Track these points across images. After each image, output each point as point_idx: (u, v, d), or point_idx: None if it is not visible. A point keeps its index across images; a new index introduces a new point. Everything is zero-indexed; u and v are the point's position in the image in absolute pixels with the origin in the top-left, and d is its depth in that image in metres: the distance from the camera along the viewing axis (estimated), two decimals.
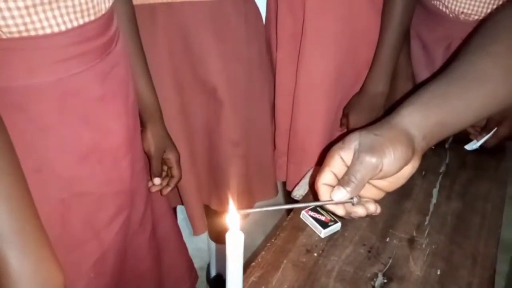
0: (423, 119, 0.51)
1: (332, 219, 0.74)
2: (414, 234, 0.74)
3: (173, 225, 1.00)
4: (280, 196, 1.42)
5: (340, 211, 0.54)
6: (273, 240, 0.71)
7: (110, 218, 0.71)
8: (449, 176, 0.89)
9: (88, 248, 0.70)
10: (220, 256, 1.54)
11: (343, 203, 0.53)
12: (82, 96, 0.64)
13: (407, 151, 0.50)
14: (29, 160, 0.59)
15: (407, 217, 0.78)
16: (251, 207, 1.16)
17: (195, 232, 1.10)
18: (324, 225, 0.72)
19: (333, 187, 0.53)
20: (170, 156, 0.89)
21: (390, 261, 0.68)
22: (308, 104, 0.99)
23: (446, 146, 0.99)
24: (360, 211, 0.54)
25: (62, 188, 0.66)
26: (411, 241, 0.72)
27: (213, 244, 1.52)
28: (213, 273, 1.62)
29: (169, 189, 0.91)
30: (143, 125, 0.85)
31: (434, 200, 0.82)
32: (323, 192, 0.54)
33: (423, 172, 0.89)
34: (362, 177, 0.51)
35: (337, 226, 0.73)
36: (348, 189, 0.51)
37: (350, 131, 0.65)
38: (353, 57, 0.98)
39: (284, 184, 1.18)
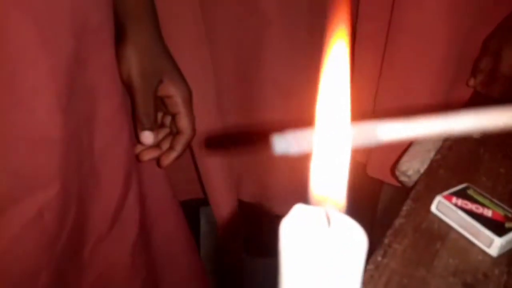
0: None
1: (510, 214, 0.33)
2: None
3: (180, 229, 0.61)
4: None
5: None
6: (379, 259, 0.31)
7: None
8: None
9: None
10: (258, 276, 1.17)
11: None
12: None
13: None
14: None
15: None
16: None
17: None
18: (497, 228, 0.32)
19: None
20: (173, 91, 0.48)
21: None
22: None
23: None
24: None
25: None
26: None
27: (248, 260, 1.14)
28: None
29: (173, 156, 0.49)
30: (121, 35, 0.47)
31: None
32: None
33: None
34: None
35: None
36: None
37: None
38: None
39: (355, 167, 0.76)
